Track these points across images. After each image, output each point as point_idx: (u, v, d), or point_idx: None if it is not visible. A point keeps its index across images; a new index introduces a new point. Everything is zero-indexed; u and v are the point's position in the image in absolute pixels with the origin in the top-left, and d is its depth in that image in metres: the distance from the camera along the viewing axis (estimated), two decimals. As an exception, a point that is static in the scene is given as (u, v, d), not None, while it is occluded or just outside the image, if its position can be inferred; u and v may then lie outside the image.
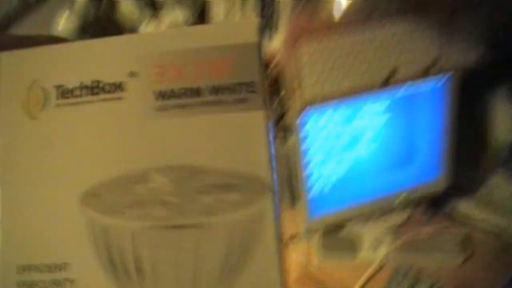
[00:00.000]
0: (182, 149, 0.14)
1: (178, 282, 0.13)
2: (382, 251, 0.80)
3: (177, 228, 0.13)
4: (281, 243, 0.13)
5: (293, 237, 0.83)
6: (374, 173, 0.77)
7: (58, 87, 0.15)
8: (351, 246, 0.82)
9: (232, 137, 0.14)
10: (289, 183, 0.72)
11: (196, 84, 0.14)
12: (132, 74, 0.15)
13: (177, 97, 0.14)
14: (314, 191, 0.73)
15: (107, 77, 0.15)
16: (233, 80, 0.14)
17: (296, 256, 0.83)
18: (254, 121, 0.14)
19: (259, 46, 0.15)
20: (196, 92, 0.14)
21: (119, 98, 0.15)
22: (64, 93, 0.15)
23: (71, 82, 0.15)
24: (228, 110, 0.14)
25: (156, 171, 0.14)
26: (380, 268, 0.79)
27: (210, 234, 0.13)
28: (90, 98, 0.15)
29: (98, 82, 0.15)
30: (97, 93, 0.15)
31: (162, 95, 0.14)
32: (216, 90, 0.14)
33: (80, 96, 0.15)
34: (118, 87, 0.15)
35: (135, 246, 0.13)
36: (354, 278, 0.78)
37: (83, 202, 0.14)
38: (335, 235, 0.83)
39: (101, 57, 0.15)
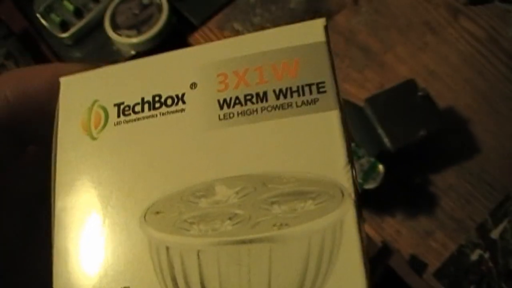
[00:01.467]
0: (249, 158, 0.13)
1: None
2: None
3: (246, 243, 0.12)
4: (365, 256, 0.12)
5: None
6: None
7: (118, 105, 0.15)
8: None
9: (304, 141, 0.13)
10: None
11: (261, 89, 0.14)
12: (193, 85, 0.14)
13: (242, 104, 0.14)
14: None
15: (168, 90, 0.14)
16: (301, 81, 0.14)
17: None
18: (328, 122, 0.13)
19: (327, 44, 0.14)
20: (262, 97, 0.14)
21: (181, 110, 0.14)
22: (125, 110, 0.14)
23: (132, 98, 0.15)
24: (298, 113, 0.13)
25: (222, 182, 0.13)
26: None
27: (284, 248, 0.12)
28: (151, 113, 0.14)
29: (159, 96, 0.14)
30: (158, 108, 0.14)
31: (226, 103, 0.14)
32: (283, 93, 0.14)
33: (141, 112, 0.14)
34: (179, 99, 0.14)
35: (200, 265, 0.12)
36: None
37: (144, 221, 0.13)
38: None
39: (162, 71, 0.14)
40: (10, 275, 0.18)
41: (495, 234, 0.76)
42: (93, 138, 0.14)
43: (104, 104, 0.15)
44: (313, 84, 0.14)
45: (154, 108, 0.14)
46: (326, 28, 0.14)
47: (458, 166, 0.78)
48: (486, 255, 0.75)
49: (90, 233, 0.13)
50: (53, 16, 0.88)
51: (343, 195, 0.12)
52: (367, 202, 0.75)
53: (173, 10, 0.85)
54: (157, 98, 0.14)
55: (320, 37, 0.14)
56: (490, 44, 0.84)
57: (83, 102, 0.15)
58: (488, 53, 0.83)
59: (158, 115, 0.14)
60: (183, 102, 0.14)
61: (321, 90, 0.14)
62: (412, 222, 0.76)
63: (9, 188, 0.18)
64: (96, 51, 0.87)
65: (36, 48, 0.90)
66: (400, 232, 0.75)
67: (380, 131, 0.68)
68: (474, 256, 0.75)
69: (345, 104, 0.69)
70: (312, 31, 0.14)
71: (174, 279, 0.12)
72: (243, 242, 0.12)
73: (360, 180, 0.65)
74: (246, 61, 0.14)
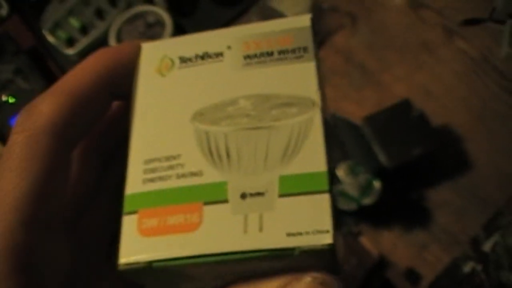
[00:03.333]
0: (259, 85, 0.21)
1: (255, 161, 0.19)
2: None
3: (255, 129, 0.20)
4: (327, 144, 0.19)
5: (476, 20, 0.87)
6: None
7: (181, 57, 0.22)
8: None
9: (293, 76, 0.21)
10: None
11: (269, 49, 0.22)
12: (229, 47, 0.22)
13: (257, 57, 0.22)
14: None
15: (213, 49, 0.22)
16: (294, 46, 0.22)
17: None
18: (308, 67, 0.21)
19: (312, 27, 0.22)
20: (270, 54, 0.22)
21: (221, 61, 0.22)
22: (186, 60, 0.22)
23: (190, 54, 0.23)
24: (291, 63, 0.22)
25: (242, 98, 0.21)
26: None
27: (277, 132, 0.20)
28: (202, 62, 0.22)
29: (208, 52, 0.22)
30: (206, 59, 0.22)
31: (249, 57, 0.22)
32: (283, 52, 0.22)
33: (196, 61, 0.22)
34: (220, 55, 0.22)
35: (226, 142, 0.20)
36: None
37: (192, 119, 0.21)
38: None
39: (209, 39, 0.23)
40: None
41: (487, 247, 0.79)
42: (163, 76, 0.22)
43: (171, 57, 0.23)
44: (301, 47, 0.22)
45: (204, 59, 0.22)
46: (312, 19, 0.23)
47: (452, 182, 0.81)
48: (479, 268, 0.78)
49: (158, 125, 0.21)
50: (60, 33, 0.91)
51: (313, 105, 0.20)
52: (365, 217, 0.78)
53: (177, 28, 0.88)
54: (206, 54, 0.22)
55: (307, 23, 0.22)
56: (483, 63, 0.87)
57: (156, 56, 0.23)
58: (482, 73, 0.87)
59: (206, 63, 0.22)
60: (222, 56, 0.22)
61: (305, 50, 0.22)
62: (408, 236, 0.78)
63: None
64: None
65: (44, 64, 0.92)
66: (397, 245, 0.78)
67: (377, 149, 0.71)
68: (467, 269, 0.78)
69: (344, 123, 0.71)
70: (302, 20, 0.23)
71: (210, 150, 0.20)
72: (253, 128, 0.20)
73: (357, 196, 0.68)
74: (261, 36, 0.23)
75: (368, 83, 0.87)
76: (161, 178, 0.20)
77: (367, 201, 0.67)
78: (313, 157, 0.19)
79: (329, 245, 0.17)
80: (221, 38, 0.23)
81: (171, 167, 0.20)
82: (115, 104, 0.24)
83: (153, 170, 0.20)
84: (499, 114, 0.84)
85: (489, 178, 0.81)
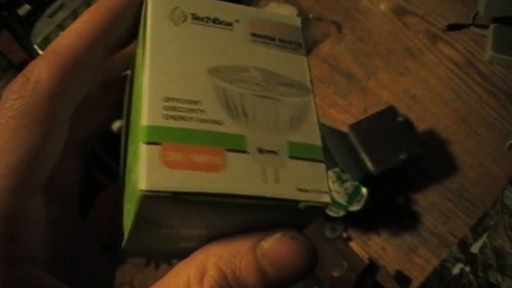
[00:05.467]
0: (266, 62, 0.23)
1: (267, 123, 0.21)
2: None
3: (265, 97, 0.22)
4: (318, 121, 0.23)
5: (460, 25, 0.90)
6: None
7: (193, 14, 0.23)
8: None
9: (292, 64, 0.24)
10: None
11: (272, 35, 0.24)
12: (236, 21, 0.24)
13: (263, 38, 0.24)
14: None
15: (224, 18, 0.24)
16: (291, 39, 0.24)
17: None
18: (302, 60, 0.24)
19: (301, 27, 0.25)
20: (272, 38, 0.24)
21: (231, 29, 0.23)
22: (198, 18, 0.23)
23: (202, 14, 0.23)
24: (289, 52, 0.24)
25: (253, 68, 0.22)
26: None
27: (284, 105, 0.22)
28: (214, 25, 0.23)
29: (218, 19, 0.23)
30: (217, 24, 0.23)
31: (255, 35, 0.24)
32: (283, 40, 0.24)
33: (208, 22, 0.23)
34: (230, 24, 0.24)
35: (242, 100, 0.21)
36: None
37: (210, 73, 0.22)
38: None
39: (220, 7, 0.24)
40: None
41: (475, 248, 0.80)
42: (177, 25, 0.23)
43: (183, 10, 0.23)
44: (296, 42, 0.24)
45: (215, 23, 0.23)
46: (301, 20, 0.25)
47: (439, 185, 0.82)
48: (467, 269, 0.79)
49: (174, 69, 0.22)
50: (50, 46, 0.92)
51: (309, 92, 0.23)
52: (354, 222, 0.79)
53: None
54: (217, 19, 0.23)
55: (298, 24, 0.25)
56: (467, 67, 0.89)
57: (168, 6, 0.23)
58: (466, 76, 0.88)
59: (218, 28, 0.23)
60: (232, 26, 0.23)
61: (300, 46, 0.24)
62: (396, 240, 0.80)
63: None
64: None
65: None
66: (386, 249, 0.80)
67: (363, 156, 0.72)
68: (455, 270, 0.79)
69: (330, 132, 0.73)
70: (295, 20, 0.25)
71: (227, 103, 0.21)
72: (266, 97, 0.22)
73: (344, 203, 0.69)
74: (265, 21, 0.24)
75: (354, 90, 0.88)
76: (182, 118, 0.20)
77: (355, 207, 0.69)
78: (312, 133, 0.22)
79: (327, 203, 0.21)
80: (230, 10, 0.24)
81: (192, 110, 0.20)
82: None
83: (173, 109, 0.20)
84: (484, 117, 0.85)
85: (476, 180, 0.82)
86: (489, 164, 0.83)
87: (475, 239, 0.81)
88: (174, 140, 0.19)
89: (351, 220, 0.77)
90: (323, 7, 0.93)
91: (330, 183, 0.69)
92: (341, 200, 0.69)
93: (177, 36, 0.22)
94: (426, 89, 0.87)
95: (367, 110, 0.85)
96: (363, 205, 0.69)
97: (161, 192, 0.18)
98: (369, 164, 0.72)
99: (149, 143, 0.19)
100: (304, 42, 0.25)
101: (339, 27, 0.92)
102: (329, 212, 0.69)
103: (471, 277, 0.79)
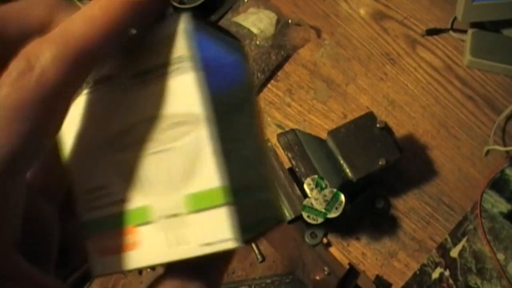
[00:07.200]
0: (149, 107, 0.21)
1: (160, 180, 0.21)
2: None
3: (158, 152, 0.21)
4: (214, 149, 0.20)
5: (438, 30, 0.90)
6: None
7: (94, 80, 0.22)
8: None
9: (175, 92, 0.20)
10: None
11: (150, 65, 0.21)
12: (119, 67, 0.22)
13: (141, 75, 0.21)
14: None
15: (110, 70, 0.22)
16: (169, 57, 0.20)
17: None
18: (184, 81, 0.20)
19: (186, 30, 0.20)
20: (150, 70, 0.21)
21: (112, 82, 0.22)
22: (94, 84, 0.22)
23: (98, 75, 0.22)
24: (170, 77, 0.20)
25: (141, 122, 0.21)
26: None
27: (176, 153, 0.21)
28: (99, 86, 0.22)
29: (108, 75, 0.22)
30: (103, 81, 0.22)
31: (136, 76, 0.21)
32: (160, 66, 0.20)
33: (97, 85, 0.22)
34: (111, 76, 0.22)
35: (137, 167, 0.22)
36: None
37: (107, 147, 0.22)
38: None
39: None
40: None
41: (454, 253, 0.81)
42: (81, 94, 0.22)
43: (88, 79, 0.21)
44: (176, 57, 0.20)
45: (101, 82, 0.22)
46: (186, 21, 0.20)
47: (418, 189, 0.82)
48: (447, 273, 0.80)
49: (83, 155, 0.23)
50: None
51: (197, 120, 0.20)
52: (334, 228, 0.79)
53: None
54: (104, 76, 0.22)
55: (182, 25, 0.20)
56: (446, 72, 0.89)
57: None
58: (445, 81, 0.89)
59: (103, 85, 0.22)
60: (113, 76, 0.22)
61: (181, 60, 0.20)
62: (376, 245, 0.80)
63: None
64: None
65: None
66: (365, 254, 0.80)
67: (342, 162, 0.72)
68: (435, 274, 0.80)
69: (309, 139, 0.73)
70: (175, 23, 0.20)
71: (127, 177, 0.22)
72: (155, 152, 0.21)
73: (323, 210, 0.69)
74: (142, 47, 0.21)
75: (334, 95, 0.88)
76: (100, 206, 0.22)
77: (333, 214, 0.69)
78: (207, 174, 0.20)
79: (236, 247, 0.20)
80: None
81: (104, 196, 0.22)
82: None
83: (93, 200, 0.22)
84: (462, 121, 0.86)
85: (455, 185, 0.83)
86: (468, 168, 0.83)
87: (455, 243, 0.81)
88: (100, 229, 0.22)
89: (331, 225, 0.77)
90: (303, 13, 0.93)
91: (308, 190, 0.69)
92: (320, 207, 0.69)
93: (79, 109, 0.23)
94: (405, 94, 0.88)
95: (347, 115, 0.85)
96: (342, 212, 0.69)
97: (104, 274, 0.22)
98: (348, 171, 0.72)
99: (87, 236, 0.23)
100: (190, 48, 0.20)
101: (318, 33, 0.92)
102: (308, 219, 0.69)
103: (451, 281, 0.80)
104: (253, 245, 0.86)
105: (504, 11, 0.86)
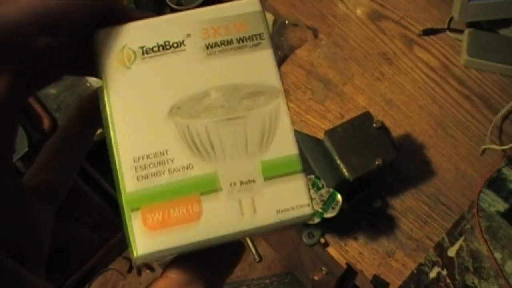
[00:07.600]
0: (226, 76, 0.22)
1: (237, 150, 0.21)
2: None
3: (231, 119, 0.21)
4: (292, 126, 0.22)
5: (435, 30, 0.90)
6: None
7: (142, 47, 0.22)
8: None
9: (255, 65, 0.22)
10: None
11: (228, 37, 0.23)
12: (188, 35, 0.22)
13: (219, 46, 0.22)
14: None
15: (173, 38, 0.22)
16: (250, 33, 0.23)
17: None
18: (266, 55, 0.22)
19: (262, 12, 0.23)
20: (229, 42, 0.22)
21: (182, 50, 0.22)
22: (147, 51, 0.22)
23: (151, 43, 0.22)
24: (250, 51, 0.22)
25: (213, 89, 0.22)
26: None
27: (253, 120, 0.21)
28: (164, 52, 0.22)
29: (168, 42, 0.22)
30: (168, 49, 0.22)
31: (210, 46, 0.22)
32: (241, 39, 0.23)
33: (158, 52, 0.22)
34: (180, 44, 0.22)
35: (208, 134, 0.21)
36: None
37: (170, 113, 0.21)
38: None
39: (167, 27, 0.23)
40: None
41: (452, 252, 0.81)
42: (128, 68, 0.22)
43: (131, 47, 0.22)
44: (257, 34, 0.23)
45: (165, 49, 0.22)
46: (260, 2, 0.23)
47: (415, 189, 0.83)
48: (444, 272, 0.80)
49: (138, 122, 0.22)
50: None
51: (278, 92, 0.22)
52: (331, 228, 0.80)
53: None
54: (167, 43, 0.22)
55: (257, 8, 0.23)
56: (442, 72, 0.89)
57: (116, 46, 0.22)
58: (441, 81, 0.89)
59: (169, 54, 0.22)
60: (183, 45, 0.22)
61: (261, 37, 0.23)
62: (373, 244, 0.80)
63: None
64: (69, 88, 0.91)
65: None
66: (363, 254, 0.80)
67: (339, 162, 0.73)
68: (432, 274, 0.80)
69: (305, 139, 0.73)
70: (251, 4, 0.23)
71: (194, 144, 0.21)
72: (230, 119, 0.21)
73: (320, 210, 0.69)
74: (218, 21, 0.23)
75: (331, 95, 0.88)
76: (154, 174, 0.21)
77: (330, 214, 0.69)
78: (285, 141, 0.21)
79: (310, 215, 0.21)
80: (179, 24, 0.23)
81: (161, 163, 0.21)
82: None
83: (144, 167, 0.21)
84: (459, 121, 0.86)
85: (452, 184, 0.83)
86: (465, 168, 0.84)
87: (452, 243, 0.81)
88: (152, 201, 0.21)
89: (329, 225, 0.77)
90: (300, 13, 0.93)
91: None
92: (316, 207, 0.69)
93: (131, 80, 0.22)
94: (402, 94, 0.88)
95: (344, 115, 0.86)
96: (338, 212, 0.69)
97: (149, 254, 0.20)
98: (344, 170, 0.72)
99: (131, 210, 0.21)
100: (266, 28, 0.23)
101: (315, 33, 0.92)
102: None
103: (448, 280, 0.80)
104: (250, 245, 0.87)
105: (500, 11, 0.86)
